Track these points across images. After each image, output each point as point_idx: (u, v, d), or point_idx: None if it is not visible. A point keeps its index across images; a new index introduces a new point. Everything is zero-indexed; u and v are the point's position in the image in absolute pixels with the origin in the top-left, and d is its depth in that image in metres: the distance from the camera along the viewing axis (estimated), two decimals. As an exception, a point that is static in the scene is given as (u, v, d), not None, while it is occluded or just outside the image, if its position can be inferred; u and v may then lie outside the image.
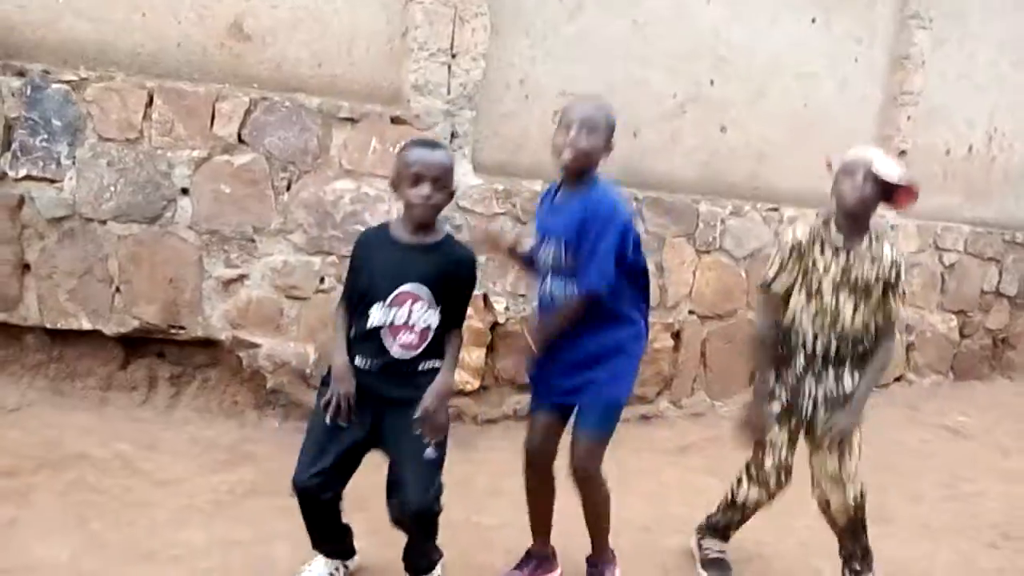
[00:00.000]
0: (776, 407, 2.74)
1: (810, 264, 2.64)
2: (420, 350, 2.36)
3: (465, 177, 3.93)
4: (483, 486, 3.40)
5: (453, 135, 3.92)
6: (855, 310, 2.63)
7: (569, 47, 4.34)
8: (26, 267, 3.50)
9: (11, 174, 3.38)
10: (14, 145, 3.37)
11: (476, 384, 4.06)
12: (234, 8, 3.66)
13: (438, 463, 2.35)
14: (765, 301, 2.74)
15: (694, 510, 3.15)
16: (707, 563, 2.96)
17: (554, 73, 4.31)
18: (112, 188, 3.48)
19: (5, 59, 3.37)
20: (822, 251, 2.63)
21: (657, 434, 4.45)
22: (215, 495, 3.07)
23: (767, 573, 3.04)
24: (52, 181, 3.43)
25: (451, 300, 2.40)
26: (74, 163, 3.44)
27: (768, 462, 2.78)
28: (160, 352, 3.76)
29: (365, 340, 2.36)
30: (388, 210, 3.82)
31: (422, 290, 2.33)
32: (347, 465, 2.40)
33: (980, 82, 5.99)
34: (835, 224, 2.62)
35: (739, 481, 2.89)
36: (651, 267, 4.22)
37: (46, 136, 3.40)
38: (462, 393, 3.99)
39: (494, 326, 4.09)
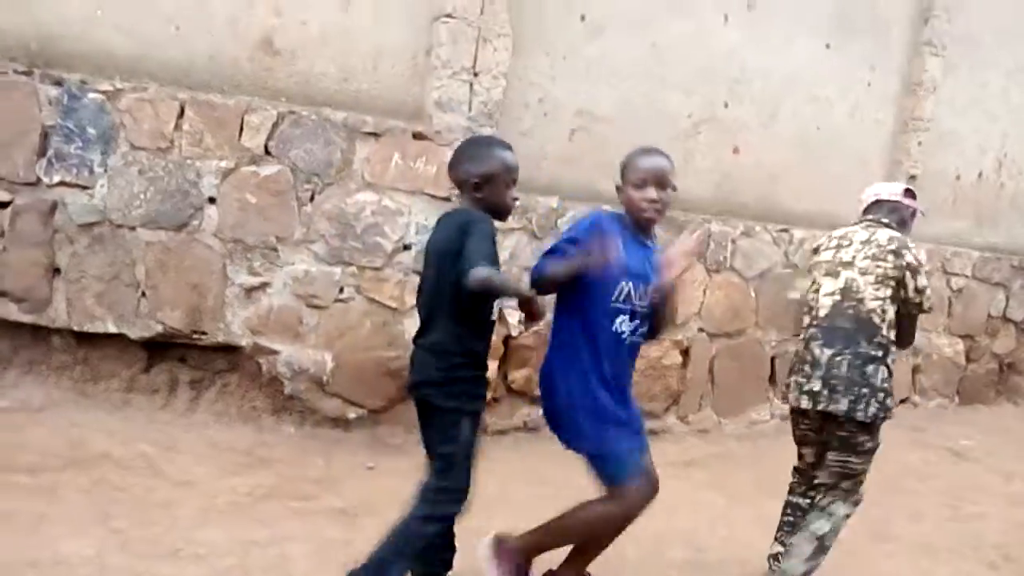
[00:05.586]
0: None
1: None
2: None
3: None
4: (493, 493, 3.48)
5: (472, 151, 4.01)
6: None
7: (588, 67, 4.43)
8: (56, 271, 3.60)
9: (45, 180, 3.49)
10: (49, 152, 3.48)
11: (488, 396, 4.13)
12: (265, 24, 3.77)
13: None
14: None
15: (698, 524, 3.22)
16: None
17: (573, 93, 4.41)
18: (142, 196, 3.59)
19: (44, 68, 3.48)
20: None
21: (664, 448, 4.49)
22: (234, 497, 3.16)
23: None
24: (84, 188, 3.54)
25: None
26: (106, 171, 3.55)
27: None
28: (182, 356, 3.86)
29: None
30: (407, 223, 3.92)
31: None
32: None
33: (991, 109, 6.06)
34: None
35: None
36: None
37: (80, 144, 3.50)
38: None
39: (507, 339, 4.18)
